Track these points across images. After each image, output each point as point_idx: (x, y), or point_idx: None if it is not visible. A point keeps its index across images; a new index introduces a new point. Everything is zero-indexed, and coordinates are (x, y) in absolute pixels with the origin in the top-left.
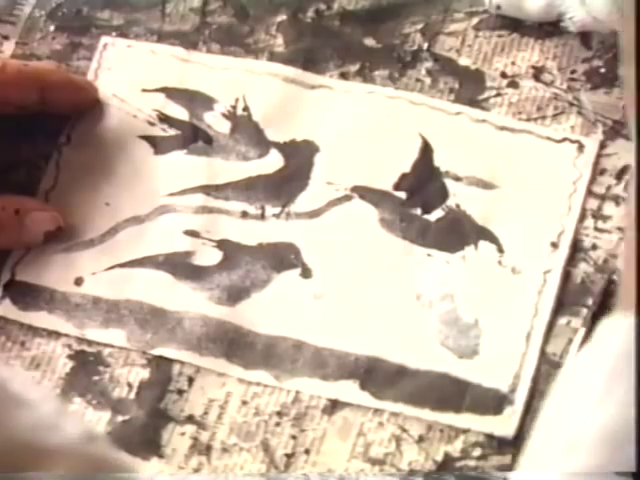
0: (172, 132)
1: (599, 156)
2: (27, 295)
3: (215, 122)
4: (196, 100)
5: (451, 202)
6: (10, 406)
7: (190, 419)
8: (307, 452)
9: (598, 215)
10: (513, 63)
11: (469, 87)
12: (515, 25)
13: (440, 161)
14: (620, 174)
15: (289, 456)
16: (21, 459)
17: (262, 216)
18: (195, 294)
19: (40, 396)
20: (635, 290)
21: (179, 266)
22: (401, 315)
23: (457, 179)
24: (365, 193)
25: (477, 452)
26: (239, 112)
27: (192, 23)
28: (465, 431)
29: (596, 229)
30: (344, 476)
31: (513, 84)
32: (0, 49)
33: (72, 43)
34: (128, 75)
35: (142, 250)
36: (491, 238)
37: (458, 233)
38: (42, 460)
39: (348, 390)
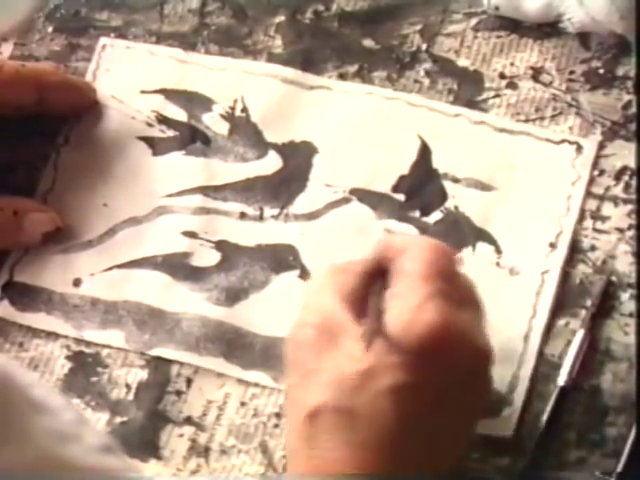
0: (170, 133)
1: (598, 157)
2: (25, 296)
3: (213, 123)
4: (194, 101)
5: (450, 204)
6: (32, 412)
7: (188, 420)
8: None
9: (597, 216)
10: (512, 64)
11: (468, 88)
12: (514, 26)
13: (439, 163)
14: (619, 175)
15: None
16: (43, 468)
17: (260, 217)
18: (193, 295)
19: (61, 403)
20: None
21: (177, 267)
22: None
23: (456, 181)
24: (363, 195)
25: (475, 454)
26: (237, 113)
27: (191, 24)
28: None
29: (595, 230)
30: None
31: (512, 85)
32: None
33: (70, 44)
34: (126, 76)
35: (140, 251)
36: (489, 239)
37: (457, 235)
38: (63, 473)
39: None
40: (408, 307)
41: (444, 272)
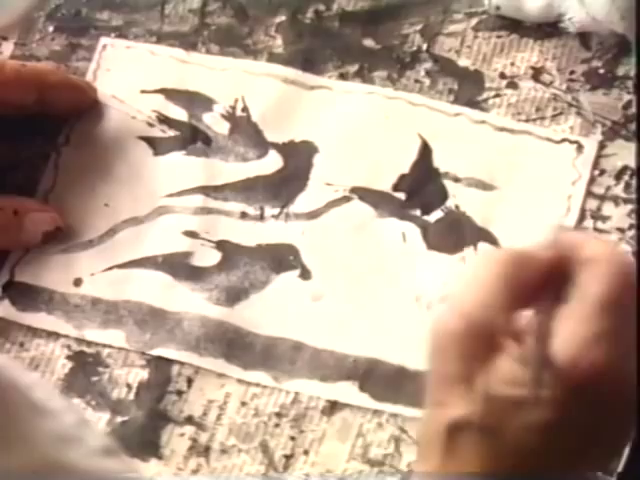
0: (171, 133)
1: (598, 157)
2: (26, 296)
3: (214, 123)
4: (195, 101)
5: (450, 203)
6: (33, 414)
7: (189, 420)
8: (306, 453)
9: (597, 216)
10: (512, 64)
11: (468, 88)
12: (514, 26)
13: (439, 162)
14: (619, 174)
15: (288, 457)
16: (44, 471)
17: (261, 217)
18: (194, 295)
19: (62, 405)
20: None
21: (178, 267)
22: (400, 316)
23: (456, 180)
24: (364, 194)
25: None
26: (238, 113)
27: (191, 24)
28: None
29: (595, 230)
30: (344, 477)
31: (512, 85)
32: None
33: (71, 44)
34: (127, 76)
35: (141, 251)
36: (490, 239)
37: (457, 234)
38: (66, 476)
39: (347, 391)
40: (580, 339)
41: (626, 300)
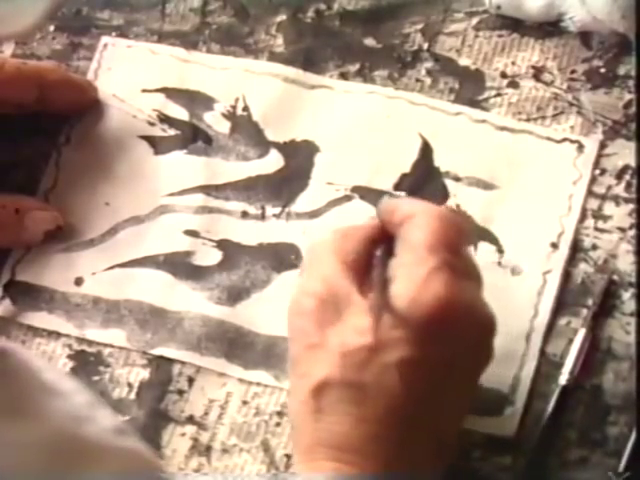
0: (172, 132)
1: (599, 156)
2: (27, 295)
3: (215, 122)
4: (196, 100)
5: (451, 202)
6: (45, 394)
7: (190, 419)
8: None
9: (598, 215)
10: (513, 63)
11: (469, 87)
12: (515, 25)
13: (440, 161)
14: (620, 174)
15: (289, 456)
16: (61, 449)
17: (262, 216)
18: (195, 294)
19: (72, 387)
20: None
21: (179, 266)
22: None
23: (457, 179)
24: (365, 193)
25: (477, 453)
26: (239, 112)
27: (192, 23)
28: (465, 432)
29: (596, 229)
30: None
31: (513, 84)
32: (0, 49)
33: (72, 43)
34: (128, 75)
35: (142, 250)
36: (491, 239)
37: None
38: (81, 452)
39: None
40: (414, 280)
41: (450, 243)
